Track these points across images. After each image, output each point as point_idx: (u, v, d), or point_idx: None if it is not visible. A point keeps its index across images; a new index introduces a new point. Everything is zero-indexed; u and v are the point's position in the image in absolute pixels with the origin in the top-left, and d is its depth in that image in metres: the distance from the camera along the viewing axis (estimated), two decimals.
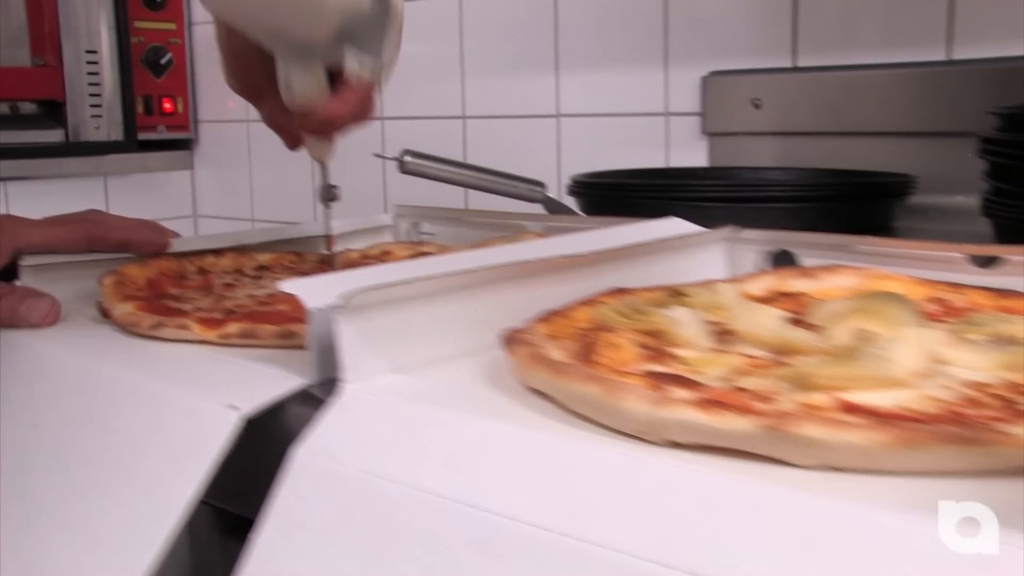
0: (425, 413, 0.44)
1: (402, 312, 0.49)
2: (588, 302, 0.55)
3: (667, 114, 1.32)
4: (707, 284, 0.58)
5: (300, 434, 0.45)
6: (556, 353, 0.44)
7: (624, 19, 1.34)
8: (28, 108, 1.64)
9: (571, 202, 1.04)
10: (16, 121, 1.61)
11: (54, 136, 1.64)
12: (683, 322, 0.48)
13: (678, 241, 0.64)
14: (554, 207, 0.98)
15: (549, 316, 0.52)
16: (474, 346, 0.51)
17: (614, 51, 1.36)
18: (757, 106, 1.22)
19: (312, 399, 0.50)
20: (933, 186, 1.04)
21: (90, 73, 1.65)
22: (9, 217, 0.72)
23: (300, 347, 0.55)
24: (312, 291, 0.50)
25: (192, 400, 0.52)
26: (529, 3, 1.43)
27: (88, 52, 1.64)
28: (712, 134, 1.28)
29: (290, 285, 0.52)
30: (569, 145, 1.42)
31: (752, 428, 0.36)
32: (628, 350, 0.45)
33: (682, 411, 0.37)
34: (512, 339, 0.46)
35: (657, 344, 0.46)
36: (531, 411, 0.43)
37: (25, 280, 0.68)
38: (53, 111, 1.64)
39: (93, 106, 1.66)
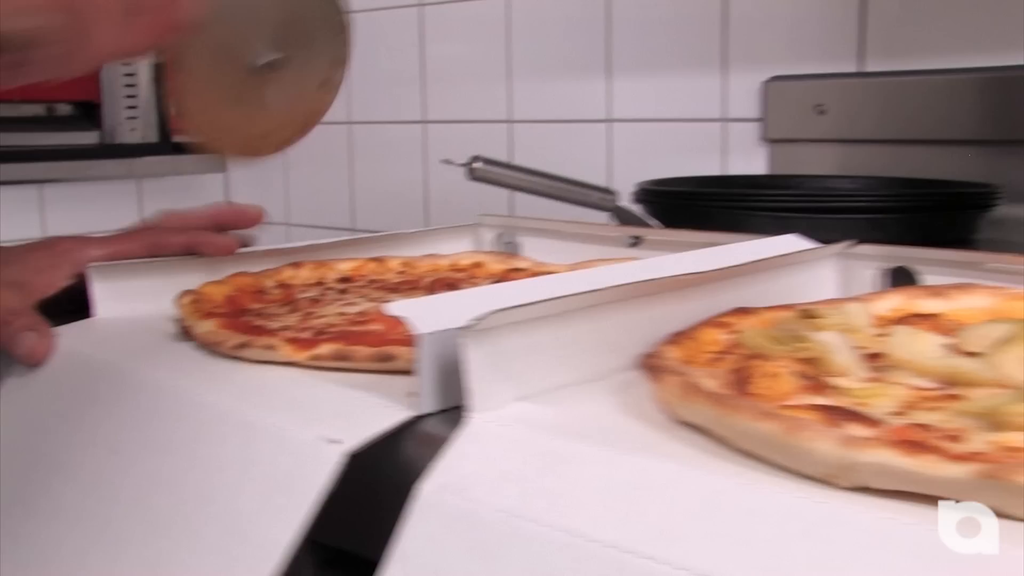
0: (570, 448, 0.40)
1: (528, 335, 0.45)
2: (713, 323, 0.51)
3: (724, 120, 1.28)
4: (833, 303, 0.54)
5: (424, 469, 0.42)
6: (709, 383, 0.41)
7: (680, 20, 1.30)
8: (64, 110, 1.60)
9: (635, 210, 1.01)
10: (52, 123, 1.58)
11: (89, 138, 1.61)
12: (837, 348, 0.44)
13: (791, 257, 0.61)
14: (625, 216, 0.94)
15: (677, 338, 0.48)
16: (600, 370, 0.48)
17: (669, 53, 1.32)
18: (821, 112, 1.18)
19: (421, 431, 0.46)
20: (1011, 196, 0.99)
21: (126, 75, 1.62)
22: (72, 238, 0.71)
23: (398, 371, 0.51)
24: (421, 314, 0.47)
25: (288, 431, 0.48)
26: (580, 3, 1.39)
27: None
28: (773, 141, 1.24)
29: (397, 308, 0.48)
30: (620, 151, 1.38)
31: (966, 475, 0.32)
32: (787, 380, 0.41)
33: (879, 453, 0.33)
34: (655, 367, 0.43)
35: (815, 373, 0.43)
36: (688, 447, 0.39)
37: (95, 285, 0.66)
38: (89, 113, 1.61)
39: (129, 107, 1.63)
